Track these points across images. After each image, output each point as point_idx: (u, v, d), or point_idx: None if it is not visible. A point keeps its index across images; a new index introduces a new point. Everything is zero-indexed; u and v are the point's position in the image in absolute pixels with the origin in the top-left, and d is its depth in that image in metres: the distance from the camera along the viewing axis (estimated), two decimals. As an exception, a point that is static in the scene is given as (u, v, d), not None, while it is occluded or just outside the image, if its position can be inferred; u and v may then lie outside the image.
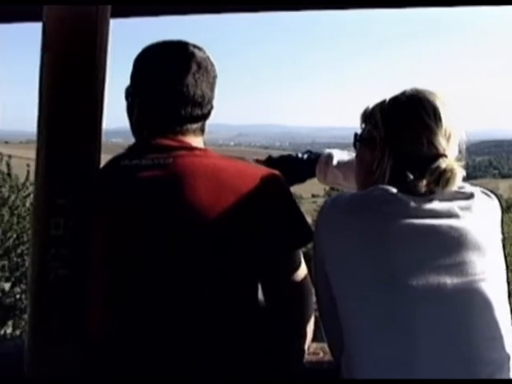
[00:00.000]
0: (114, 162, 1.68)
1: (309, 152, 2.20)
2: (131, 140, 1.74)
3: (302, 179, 2.16)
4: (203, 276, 1.55)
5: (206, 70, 1.68)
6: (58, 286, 1.67)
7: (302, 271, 1.66)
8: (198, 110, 1.67)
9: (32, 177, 16.43)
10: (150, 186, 1.58)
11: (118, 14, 1.72)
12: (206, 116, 1.70)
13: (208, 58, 1.71)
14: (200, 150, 1.65)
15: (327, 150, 2.18)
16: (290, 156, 2.19)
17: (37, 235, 1.69)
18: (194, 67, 1.66)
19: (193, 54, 1.67)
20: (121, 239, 1.59)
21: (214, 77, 1.72)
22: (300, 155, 2.19)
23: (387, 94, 1.66)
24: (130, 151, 1.68)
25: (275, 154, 2.31)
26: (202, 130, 1.72)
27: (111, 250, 1.60)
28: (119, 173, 1.63)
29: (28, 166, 16.56)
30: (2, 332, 14.97)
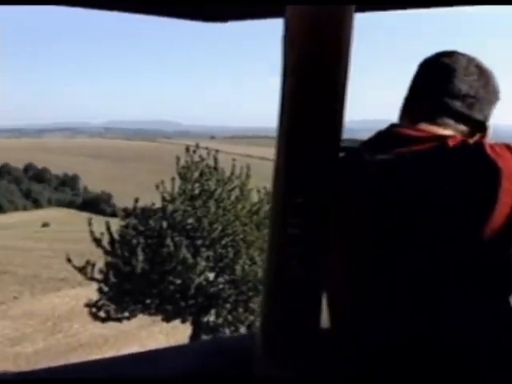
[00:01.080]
0: (357, 154, 1.65)
1: None
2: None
3: None
4: (445, 274, 1.48)
5: (487, 82, 1.66)
6: (293, 285, 1.66)
7: None
8: (464, 108, 1.62)
9: (237, 171, 17.16)
10: (393, 182, 1.53)
11: (362, 7, 1.66)
12: (473, 122, 1.64)
13: (496, 80, 1.69)
14: (452, 138, 1.54)
15: None
16: None
17: (274, 234, 1.69)
18: (476, 72, 1.65)
19: (480, 66, 1.67)
20: (361, 233, 1.57)
21: (496, 97, 1.69)
22: None
23: None
24: (376, 143, 1.64)
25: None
26: (464, 134, 1.63)
27: (351, 244, 1.59)
28: (362, 166, 1.61)
29: (233, 160, 17.30)
30: (206, 319, 15.82)
